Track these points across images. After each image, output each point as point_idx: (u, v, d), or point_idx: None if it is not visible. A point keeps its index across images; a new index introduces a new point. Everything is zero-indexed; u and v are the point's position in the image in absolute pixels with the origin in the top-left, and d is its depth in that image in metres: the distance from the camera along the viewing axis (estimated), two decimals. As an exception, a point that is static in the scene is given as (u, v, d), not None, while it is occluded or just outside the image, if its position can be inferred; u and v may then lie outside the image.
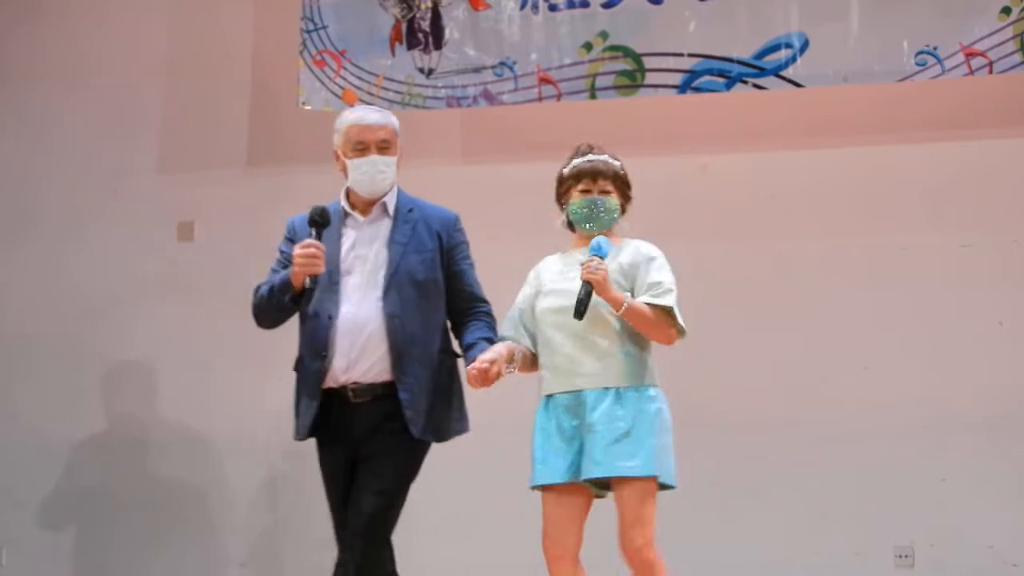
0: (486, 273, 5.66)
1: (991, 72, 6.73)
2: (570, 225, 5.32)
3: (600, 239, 5.08)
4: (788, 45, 6.92)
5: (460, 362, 5.41)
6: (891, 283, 7.20)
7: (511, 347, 5.18)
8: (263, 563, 7.91)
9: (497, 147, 7.71)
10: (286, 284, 5.28)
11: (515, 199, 7.50)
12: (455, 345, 5.45)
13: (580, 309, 4.96)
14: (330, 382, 5.26)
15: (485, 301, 5.47)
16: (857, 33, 6.86)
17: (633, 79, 7.13)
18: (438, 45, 7.40)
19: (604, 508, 5.12)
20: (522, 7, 7.27)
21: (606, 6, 7.14)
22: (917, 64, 6.78)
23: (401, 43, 7.44)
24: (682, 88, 7.09)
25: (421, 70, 7.42)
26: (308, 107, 7.55)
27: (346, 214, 5.45)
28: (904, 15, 6.81)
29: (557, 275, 5.24)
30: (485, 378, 5.01)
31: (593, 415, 5.00)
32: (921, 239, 7.16)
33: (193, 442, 8.00)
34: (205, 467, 7.99)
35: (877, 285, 7.21)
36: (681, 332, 5.10)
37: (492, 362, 5.03)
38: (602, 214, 5.21)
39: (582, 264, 5.02)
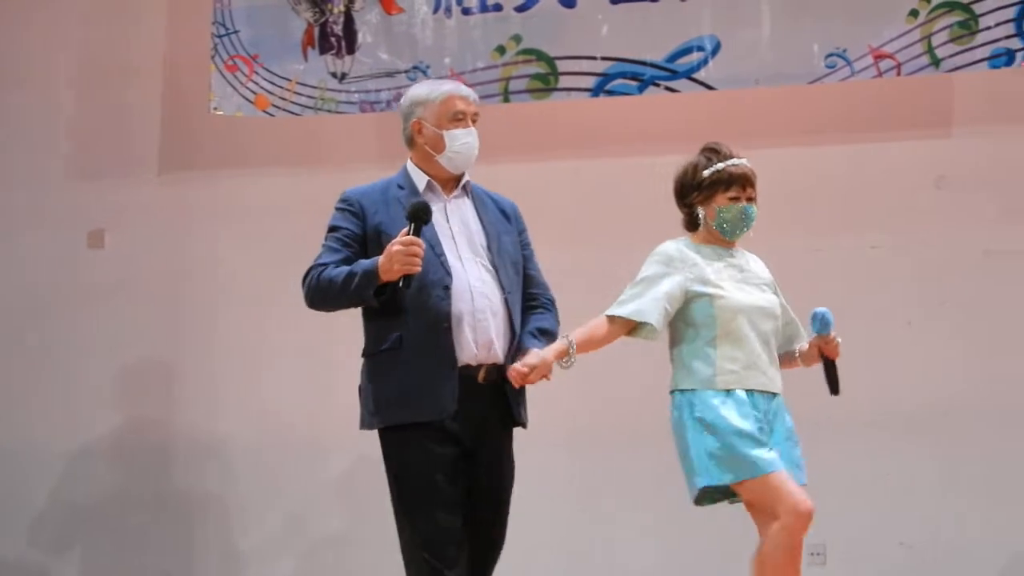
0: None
1: (899, 74, 6.81)
2: (692, 224, 5.27)
3: (826, 312, 5.29)
4: (700, 48, 6.97)
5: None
6: (802, 284, 7.20)
7: (564, 346, 4.98)
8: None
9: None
10: (373, 275, 4.89)
11: (429, 203, 7.50)
12: None
13: (836, 386, 5.34)
14: (468, 360, 4.99)
15: (548, 288, 5.35)
16: (768, 36, 6.92)
17: (546, 82, 7.16)
18: (351, 49, 7.38)
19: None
20: (435, 11, 7.27)
21: (519, 9, 7.16)
22: (827, 66, 6.85)
23: (314, 48, 7.42)
24: (595, 91, 7.12)
25: (334, 75, 7.40)
26: (220, 112, 7.52)
27: (428, 188, 5.17)
28: (814, 18, 6.87)
29: (727, 271, 5.20)
30: (523, 381, 4.93)
31: (786, 422, 5.19)
32: (832, 240, 7.22)
33: (115, 450, 7.94)
34: (146, 475, 7.95)
35: (788, 286, 7.22)
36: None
37: (532, 368, 4.88)
38: (749, 223, 5.24)
39: (824, 337, 5.30)
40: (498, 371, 5.01)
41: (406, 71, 7.30)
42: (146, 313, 7.96)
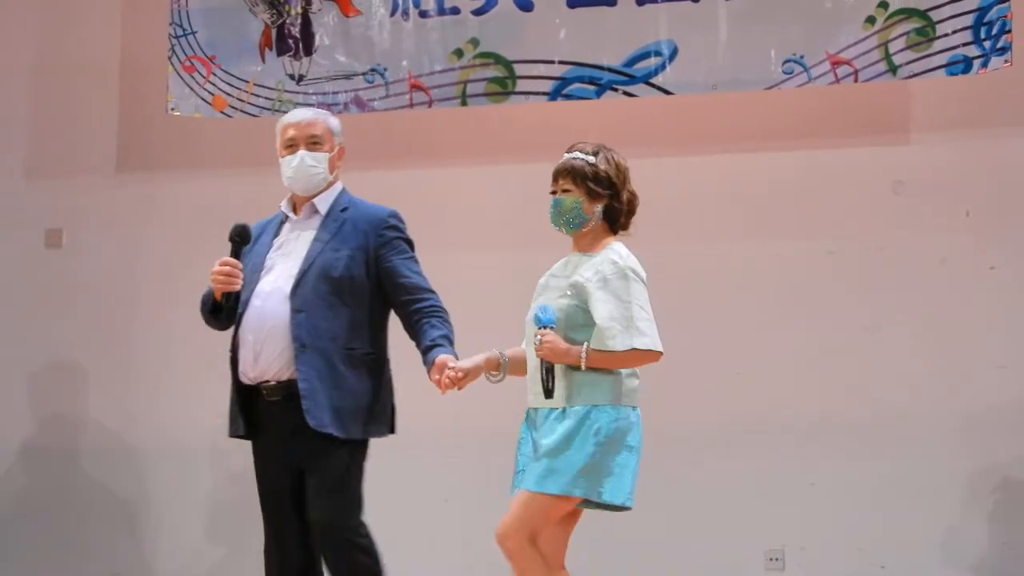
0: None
1: (856, 80, 6.81)
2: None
3: (540, 307, 4.99)
4: (658, 53, 6.96)
5: (390, 364, 5.39)
6: (761, 289, 7.25)
7: (496, 357, 5.12)
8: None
9: (369, 154, 7.64)
10: (208, 297, 5.34)
11: (387, 204, 7.47)
12: (380, 344, 5.38)
13: (547, 389, 4.93)
14: (244, 378, 5.26)
15: (431, 291, 5.36)
16: (726, 41, 6.91)
17: (504, 86, 7.14)
18: (308, 51, 7.36)
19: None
20: (392, 13, 7.26)
21: (477, 13, 7.15)
22: (784, 72, 6.85)
23: (271, 49, 7.40)
24: (553, 95, 7.11)
25: (291, 76, 7.37)
26: (177, 113, 7.50)
27: (286, 215, 5.45)
28: (772, 24, 6.86)
29: (541, 283, 5.19)
30: (454, 385, 5.01)
31: (539, 433, 4.98)
32: (789, 245, 7.22)
33: (64, 450, 7.91)
34: (77, 474, 7.91)
35: (747, 291, 7.26)
36: (661, 353, 5.00)
37: (467, 373, 5.02)
38: (560, 215, 5.10)
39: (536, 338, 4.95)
40: (281, 388, 5.19)
41: (363, 73, 7.29)
42: (103, 313, 7.93)
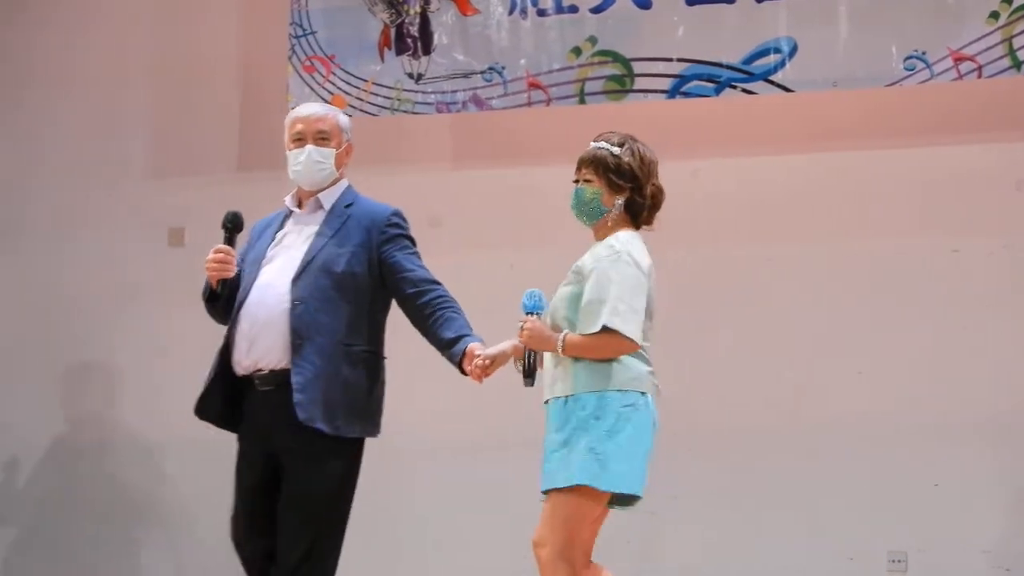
0: (474, 278, 5.68)
1: (980, 76, 6.72)
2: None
3: (527, 292, 4.95)
4: (777, 50, 6.92)
5: (385, 363, 5.36)
6: (884, 287, 7.19)
7: (520, 346, 5.02)
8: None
9: (486, 152, 7.71)
10: (206, 285, 5.40)
11: (504, 204, 7.52)
12: (378, 343, 5.35)
13: (529, 374, 4.91)
14: (237, 367, 5.24)
15: (437, 282, 5.31)
16: (846, 38, 6.85)
17: (622, 84, 7.14)
18: (427, 50, 7.40)
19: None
20: (511, 12, 7.28)
21: (595, 11, 7.15)
22: (906, 69, 6.78)
23: (390, 48, 7.45)
24: (671, 93, 7.09)
25: (410, 75, 7.42)
26: (297, 112, 7.56)
27: (290, 210, 5.48)
28: (893, 20, 6.80)
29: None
30: (485, 373, 4.98)
31: (549, 427, 4.90)
32: (912, 244, 7.15)
33: (187, 446, 7.98)
34: (197, 473, 7.96)
35: (870, 289, 7.21)
36: (634, 342, 4.83)
37: (494, 360, 4.98)
38: (578, 204, 5.04)
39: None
40: (274, 377, 5.15)
41: (482, 72, 7.32)
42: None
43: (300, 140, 5.38)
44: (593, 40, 7.15)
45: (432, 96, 7.37)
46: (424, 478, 7.51)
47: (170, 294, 8.06)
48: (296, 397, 5.08)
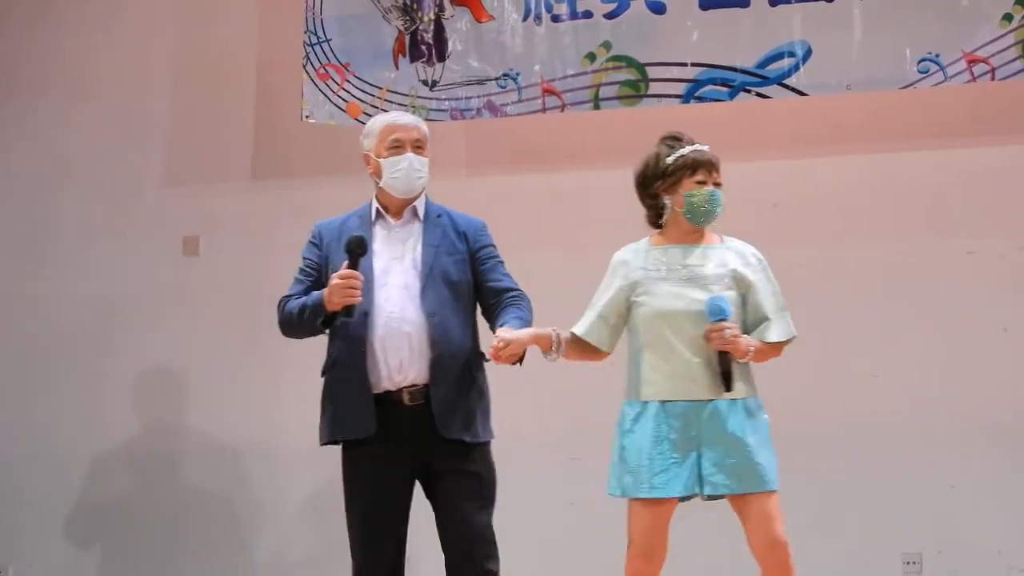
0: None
1: (993, 79, 6.73)
2: (656, 219, 5.23)
3: (719, 298, 4.97)
4: (791, 54, 6.93)
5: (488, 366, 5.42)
6: (897, 290, 7.20)
7: (548, 333, 5.08)
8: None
9: (501, 158, 7.72)
10: (319, 307, 5.24)
11: (520, 210, 7.52)
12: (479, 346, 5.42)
13: (728, 382, 4.95)
14: (383, 385, 5.22)
15: (516, 289, 5.41)
16: (860, 41, 6.86)
17: (637, 89, 7.15)
18: (441, 57, 7.40)
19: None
20: (525, 18, 7.29)
21: (609, 16, 7.15)
22: (919, 71, 6.79)
23: (404, 55, 7.46)
24: (686, 98, 7.10)
25: (424, 82, 7.43)
26: (312, 120, 7.56)
27: (378, 216, 5.46)
28: (906, 23, 6.81)
29: (661, 273, 5.12)
30: (498, 356, 5.00)
31: (729, 428, 4.95)
32: (926, 246, 7.17)
33: (209, 453, 8.02)
34: (225, 478, 8.04)
35: (883, 292, 7.21)
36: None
37: (508, 343, 4.98)
38: (717, 208, 5.13)
39: (710, 328, 4.93)
40: (422, 393, 5.21)
41: (496, 78, 7.32)
42: (240, 319, 8.02)
43: (398, 148, 5.40)
44: (607, 45, 7.16)
45: (447, 103, 7.38)
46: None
47: (185, 303, 8.09)
48: (438, 412, 5.18)
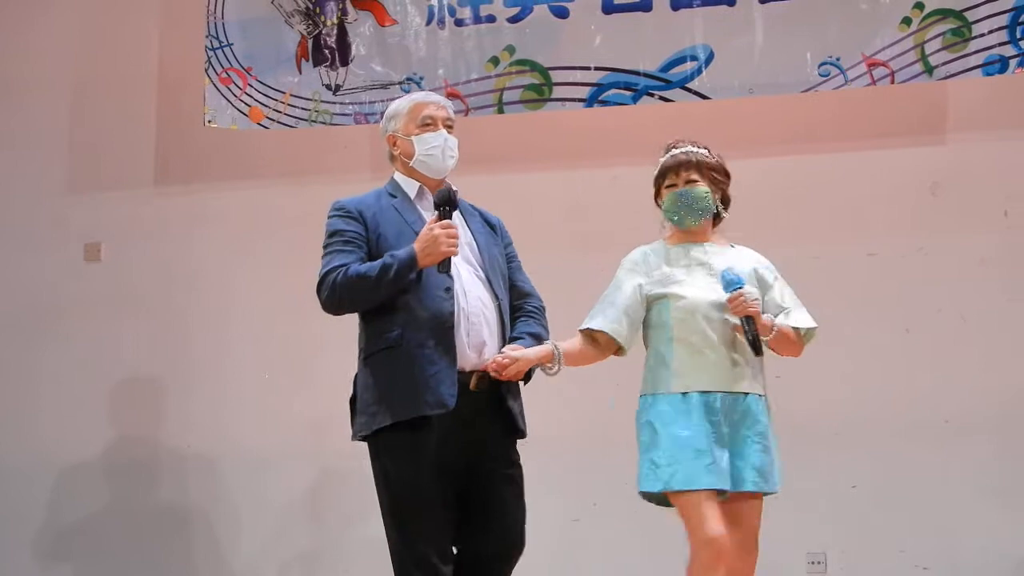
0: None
1: (893, 82, 6.81)
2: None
3: (726, 272, 5.01)
4: (693, 57, 6.97)
5: None
6: (800, 292, 7.18)
7: (550, 350, 5.06)
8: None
9: (406, 163, 7.70)
10: (412, 262, 4.94)
11: (425, 214, 7.51)
12: None
13: (758, 346, 4.98)
14: (462, 363, 5.01)
15: (538, 297, 5.36)
16: (761, 45, 6.91)
17: (540, 93, 7.16)
18: (345, 61, 7.38)
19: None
20: (428, 22, 7.28)
21: (512, 20, 7.16)
22: (821, 75, 6.85)
23: (307, 60, 7.43)
24: (589, 102, 7.12)
25: (328, 87, 7.40)
26: (214, 125, 7.52)
27: (419, 195, 5.26)
28: (807, 26, 6.88)
29: (688, 270, 5.14)
30: (502, 370, 4.96)
31: (757, 425, 4.99)
32: (828, 248, 7.21)
33: (110, 465, 7.95)
34: (119, 488, 7.96)
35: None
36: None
37: (514, 360, 4.94)
38: (691, 204, 5.15)
39: (728, 298, 4.96)
40: (491, 379, 4.99)
41: (400, 83, 7.31)
42: (143, 326, 7.96)
43: (430, 124, 5.24)
44: (511, 49, 7.18)
45: (351, 107, 7.36)
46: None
47: (87, 310, 8.01)
48: (513, 407, 5.11)
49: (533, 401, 5.26)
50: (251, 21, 7.50)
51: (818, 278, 7.14)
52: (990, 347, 7.05)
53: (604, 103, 7.11)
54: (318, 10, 7.40)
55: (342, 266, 5.04)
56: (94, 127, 8.15)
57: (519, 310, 5.27)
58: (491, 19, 7.19)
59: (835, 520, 7.12)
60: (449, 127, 5.28)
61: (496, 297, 5.15)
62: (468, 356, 5.01)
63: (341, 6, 7.38)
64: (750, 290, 5.00)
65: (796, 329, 5.15)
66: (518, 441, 5.20)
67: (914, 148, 7.16)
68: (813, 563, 7.14)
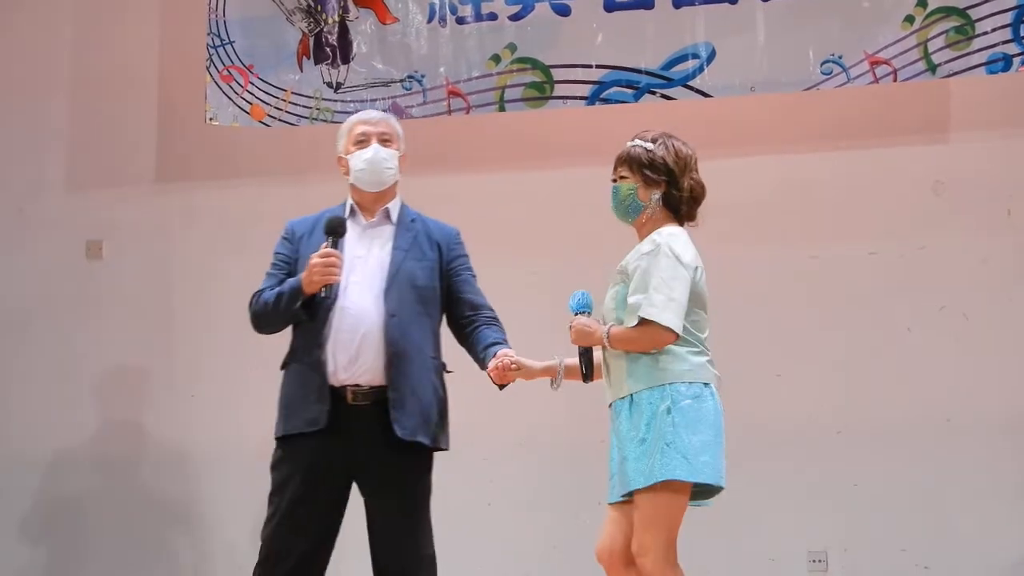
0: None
1: (895, 80, 6.79)
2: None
3: (573, 294, 5.02)
4: (695, 55, 6.95)
5: (448, 377, 5.45)
6: (801, 291, 7.23)
7: (555, 365, 5.15)
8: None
9: (407, 161, 7.68)
10: (297, 291, 5.22)
11: (426, 212, 7.48)
12: (441, 356, 5.45)
13: (586, 372, 4.96)
14: (334, 380, 5.21)
15: (491, 308, 5.46)
16: (763, 43, 6.89)
17: (542, 91, 7.14)
18: (346, 59, 7.37)
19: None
20: (430, 20, 7.27)
21: (514, 18, 7.15)
22: (823, 73, 6.83)
23: (309, 57, 7.42)
24: (591, 99, 7.10)
25: (329, 84, 7.39)
26: (216, 123, 7.51)
27: (351, 213, 5.45)
28: (810, 24, 6.85)
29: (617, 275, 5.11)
30: (505, 376, 5.11)
31: (620, 429, 4.91)
32: (829, 247, 7.20)
33: (109, 460, 7.95)
34: (124, 483, 7.96)
35: (786, 293, 7.24)
36: (672, 330, 4.83)
37: (521, 367, 5.12)
38: (616, 203, 5.13)
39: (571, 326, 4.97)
40: (372, 393, 5.20)
41: (401, 80, 7.30)
42: (144, 323, 7.96)
43: (364, 141, 5.44)
44: (512, 47, 7.16)
45: (352, 105, 7.30)
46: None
47: (89, 307, 8.01)
48: (393, 414, 5.18)
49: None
50: (252, 19, 7.48)
51: (819, 277, 7.17)
52: (992, 346, 7.04)
53: (606, 101, 7.10)
54: (319, 8, 7.39)
55: (260, 291, 5.40)
56: (95, 124, 8.14)
57: (474, 322, 5.41)
58: (492, 17, 7.18)
59: (836, 518, 7.11)
60: (386, 142, 5.45)
61: (390, 313, 5.24)
62: (337, 375, 5.21)
63: (342, 4, 7.37)
64: (573, 319, 4.98)
65: (633, 326, 4.90)
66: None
67: (917, 146, 7.15)
68: (814, 561, 7.14)
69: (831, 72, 6.82)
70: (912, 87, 6.92)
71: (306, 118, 7.41)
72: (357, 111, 7.21)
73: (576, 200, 7.23)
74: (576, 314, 4.98)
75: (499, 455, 7.40)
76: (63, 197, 8.16)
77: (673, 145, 5.16)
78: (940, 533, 7.01)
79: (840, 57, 6.81)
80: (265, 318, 5.37)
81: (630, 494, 4.84)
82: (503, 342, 5.30)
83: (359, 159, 5.42)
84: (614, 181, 5.14)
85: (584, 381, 4.99)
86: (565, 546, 7.23)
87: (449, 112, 7.28)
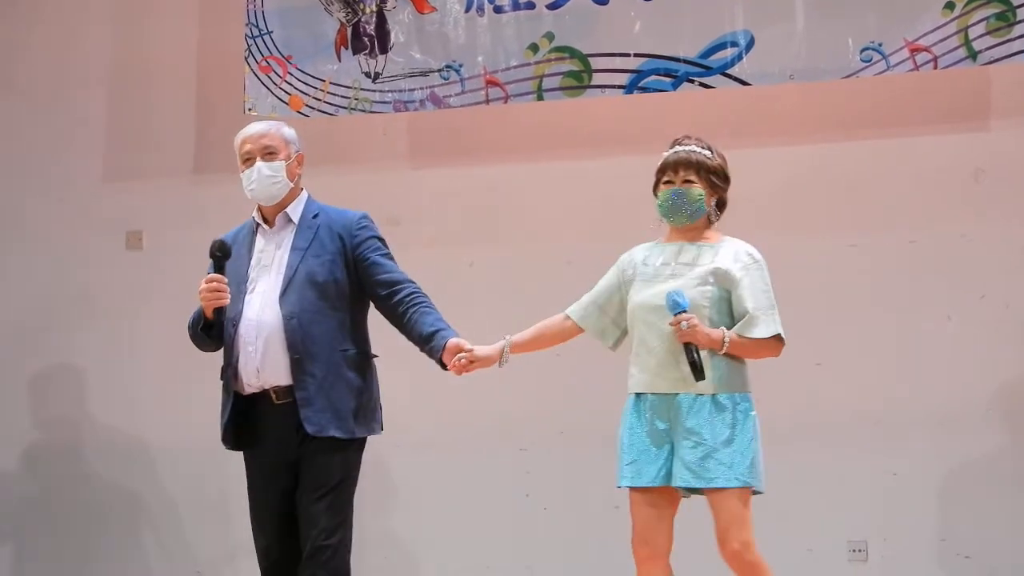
0: (433, 276, 5.68)
1: (935, 67, 6.74)
2: None
3: (677, 292, 5.04)
4: (734, 43, 6.92)
5: (375, 363, 5.54)
6: (842, 280, 7.20)
7: (502, 347, 5.32)
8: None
9: (445, 150, 7.70)
10: (199, 316, 5.47)
11: (463, 202, 7.52)
12: (367, 344, 5.54)
13: (699, 369, 4.97)
14: (248, 388, 5.40)
15: (410, 281, 5.49)
16: (802, 30, 6.86)
17: (580, 80, 7.13)
18: (384, 49, 7.38)
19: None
20: (467, 9, 7.26)
21: (552, 7, 7.14)
22: (862, 60, 6.79)
23: (347, 48, 7.43)
24: (629, 88, 7.09)
25: (367, 74, 7.40)
26: (254, 113, 7.51)
27: (257, 226, 5.57)
28: (849, 12, 6.81)
29: (651, 269, 5.22)
30: (466, 369, 5.24)
31: (687, 423, 5.02)
32: (870, 235, 7.17)
33: (143, 450, 7.98)
34: (173, 473, 8.03)
35: (828, 282, 7.21)
36: (782, 342, 5.18)
37: (477, 359, 5.27)
38: (684, 205, 5.19)
39: (671, 323, 5.00)
40: (287, 393, 5.34)
41: (439, 70, 7.30)
42: (186, 313, 7.97)
43: (249, 160, 5.52)
44: (550, 36, 7.14)
45: (389, 95, 7.35)
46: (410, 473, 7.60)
47: (129, 297, 8.05)
48: (303, 413, 5.29)
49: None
50: (290, 9, 7.51)
51: (858, 266, 7.15)
52: (1018, 337, 7.00)
53: (644, 90, 7.08)
54: (357, -3, 7.42)
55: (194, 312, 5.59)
56: (133, 115, 8.18)
57: (400, 305, 5.44)
58: (530, 6, 7.17)
59: (876, 508, 7.09)
60: (270, 155, 5.51)
61: (288, 316, 5.33)
62: (242, 382, 5.41)
63: (380, -7, 7.39)
64: (687, 316, 5.00)
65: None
66: None
67: (957, 134, 7.09)
68: (854, 551, 7.12)
69: (871, 60, 6.78)
70: (952, 74, 6.87)
71: (344, 108, 7.43)
72: (395, 100, 7.30)
73: (613, 189, 7.22)
74: (676, 314, 5.01)
75: (537, 446, 7.39)
76: (104, 188, 8.22)
77: (722, 155, 5.31)
78: (980, 523, 6.98)
79: (880, 44, 6.77)
80: (194, 341, 5.61)
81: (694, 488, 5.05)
82: (446, 327, 5.36)
83: (247, 179, 5.51)
84: (669, 183, 5.23)
85: (698, 379, 4.99)
86: (604, 536, 7.22)
87: (487, 102, 7.27)
